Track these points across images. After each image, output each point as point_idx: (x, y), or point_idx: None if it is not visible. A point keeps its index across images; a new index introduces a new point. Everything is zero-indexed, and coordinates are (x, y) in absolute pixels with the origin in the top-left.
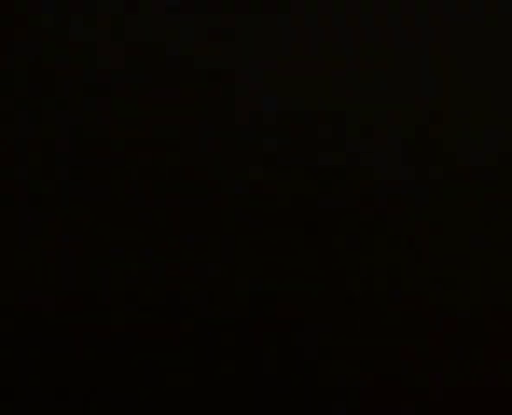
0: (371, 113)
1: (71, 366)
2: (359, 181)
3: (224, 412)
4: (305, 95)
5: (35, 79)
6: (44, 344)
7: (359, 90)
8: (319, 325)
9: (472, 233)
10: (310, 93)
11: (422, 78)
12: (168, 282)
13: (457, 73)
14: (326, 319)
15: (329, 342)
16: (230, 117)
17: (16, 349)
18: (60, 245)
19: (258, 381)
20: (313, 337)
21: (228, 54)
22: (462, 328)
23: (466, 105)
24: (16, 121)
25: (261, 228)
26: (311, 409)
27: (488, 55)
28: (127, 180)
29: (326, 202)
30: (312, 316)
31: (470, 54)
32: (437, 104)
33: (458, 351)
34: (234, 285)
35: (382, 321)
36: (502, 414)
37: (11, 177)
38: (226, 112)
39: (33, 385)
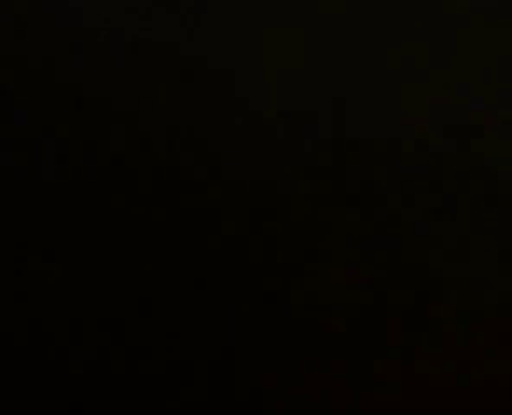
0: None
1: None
2: (359, 185)
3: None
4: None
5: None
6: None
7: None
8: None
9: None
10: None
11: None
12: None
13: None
14: None
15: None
16: (229, 117)
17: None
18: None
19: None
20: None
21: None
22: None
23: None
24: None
25: (261, 227)
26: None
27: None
28: (126, 180)
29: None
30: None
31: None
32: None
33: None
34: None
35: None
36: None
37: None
38: (225, 112)
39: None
